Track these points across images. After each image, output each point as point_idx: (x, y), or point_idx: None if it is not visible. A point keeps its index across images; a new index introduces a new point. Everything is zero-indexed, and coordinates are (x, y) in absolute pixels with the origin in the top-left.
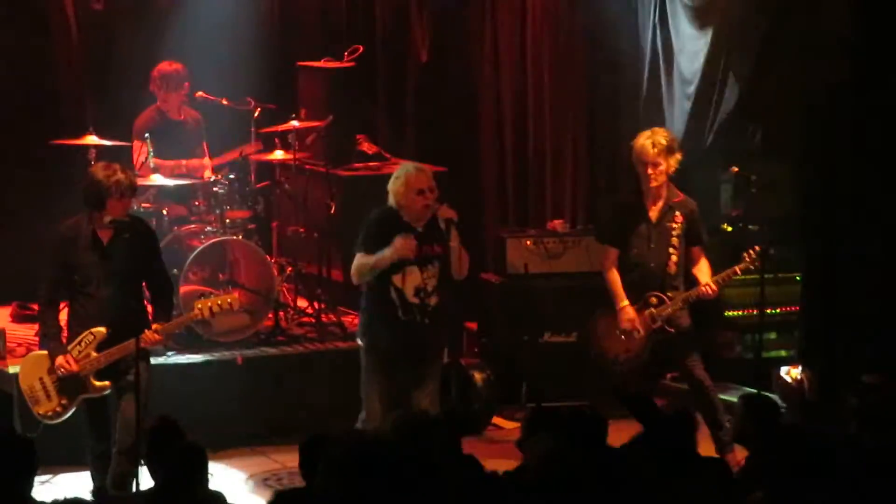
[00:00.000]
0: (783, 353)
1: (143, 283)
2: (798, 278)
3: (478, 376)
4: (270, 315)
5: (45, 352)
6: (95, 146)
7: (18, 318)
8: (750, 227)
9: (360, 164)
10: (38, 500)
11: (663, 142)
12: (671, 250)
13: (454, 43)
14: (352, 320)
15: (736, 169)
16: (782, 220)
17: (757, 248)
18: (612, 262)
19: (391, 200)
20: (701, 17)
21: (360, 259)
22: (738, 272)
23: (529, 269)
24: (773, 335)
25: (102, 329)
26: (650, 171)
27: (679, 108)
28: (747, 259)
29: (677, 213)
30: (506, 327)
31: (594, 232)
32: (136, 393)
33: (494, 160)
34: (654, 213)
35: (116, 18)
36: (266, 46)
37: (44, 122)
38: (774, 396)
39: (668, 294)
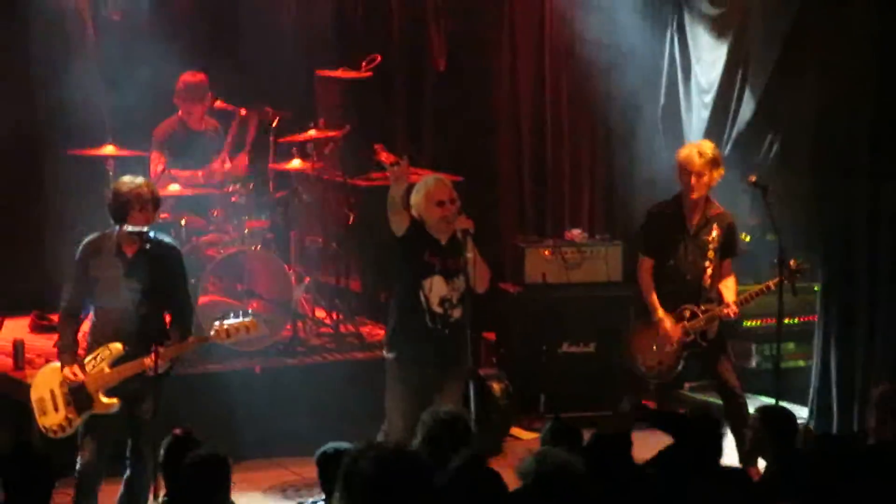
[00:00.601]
0: (801, 363)
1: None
2: (816, 288)
3: (496, 387)
4: (289, 325)
5: (59, 364)
6: (114, 156)
7: (37, 329)
8: (768, 236)
9: (379, 174)
10: None
11: (709, 153)
12: (707, 263)
13: (471, 52)
14: (370, 330)
15: (754, 178)
16: (800, 229)
17: (793, 263)
18: (648, 272)
19: (414, 213)
20: (719, 27)
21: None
22: (772, 287)
23: (547, 279)
24: (791, 345)
25: (119, 346)
26: (693, 181)
27: (696, 116)
28: (779, 273)
29: (714, 225)
30: (524, 337)
31: (633, 241)
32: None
33: (512, 169)
34: (692, 225)
35: (134, 28)
36: (284, 56)
37: (62, 132)
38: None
39: (702, 307)
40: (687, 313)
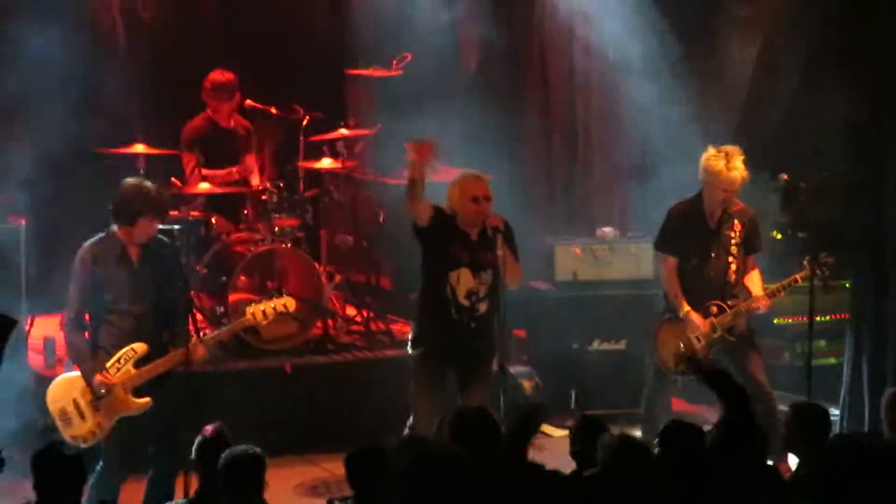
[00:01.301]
0: (832, 360)
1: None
2: (847, 285)
3: (527, 384)
4: (319, 323)
5: (77, 373)
6: (144, 155)
7: None
8: (799, 234)
9: None
10: None
11: (743, 169)
12: (730, 259)
13: (502, 52)
14: (400, 328)
15: (785, 176)
16: (831, 227)
17: (824, 257)
18: (672, 270)
19: (447, 206)
20: (749, 28)
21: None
22: (799, 281)
23: (578, 277)
24: (822, 343)
25: (143, 345)
26: (729, 196)
27: (726, 116)
28: (809, 268)
29: (736, 221)
30: (554, 335)
31: (654, 240)
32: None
33: (543, 168)
34: (713, 222)
35: (164, 27)
36: (315, 55)
37: (93, 131)
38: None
39: (728, 303)
40: (714, 309)
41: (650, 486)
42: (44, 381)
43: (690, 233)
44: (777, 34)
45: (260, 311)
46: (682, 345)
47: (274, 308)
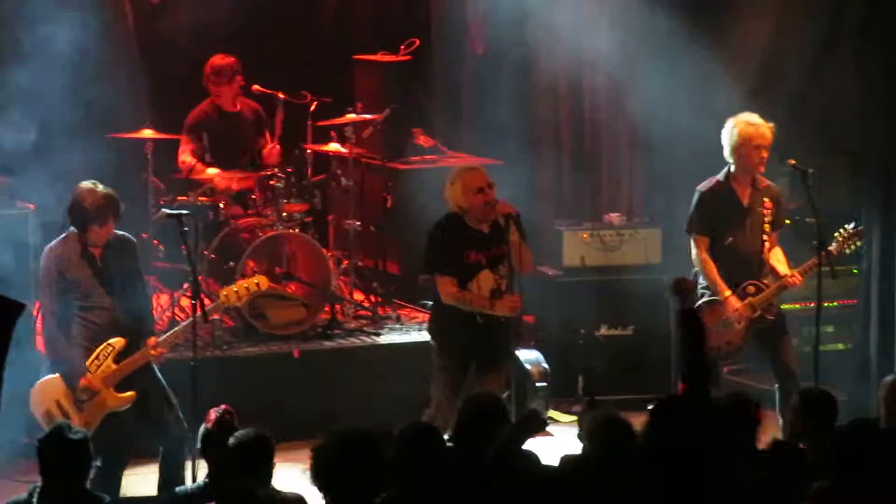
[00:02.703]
0: (840, 346)
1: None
2: (855, 271)
3: (534, 370)
4: (327, 308)
5: (54, 376)
6: (152, 140)
7: None
8: (807, 220)
9: (417, 158)
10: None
11: (770, 124)
12: (764, 237)
13: (510, 36)
14: (408, 313)
15: (793, 161)
16: (840, 213)
17: (850, 228)
18: (706, 251)
19: (450, 206)
20: (759, 10)
21: (447, 287)
22: (833, 253)
23: (586, 262)
24: (830, 328)
25: (122, 339)
26: (764, 154)
27: (737, 102)
28: (839, 239)
29: (766, 199)
30: (562, 320)
31: (687, 225)
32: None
33: (551, 153)
34: (745, 198)
35: (173, 12)
36: (322, 40)
37: (100, 116)
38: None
39: (764, 281)
40: (751, 289)
41: (634, 462)
42: None
43: (723, 212)
44: (790, 10)
45: (233, 291)
46: (719, 324)
47: (247, 288)
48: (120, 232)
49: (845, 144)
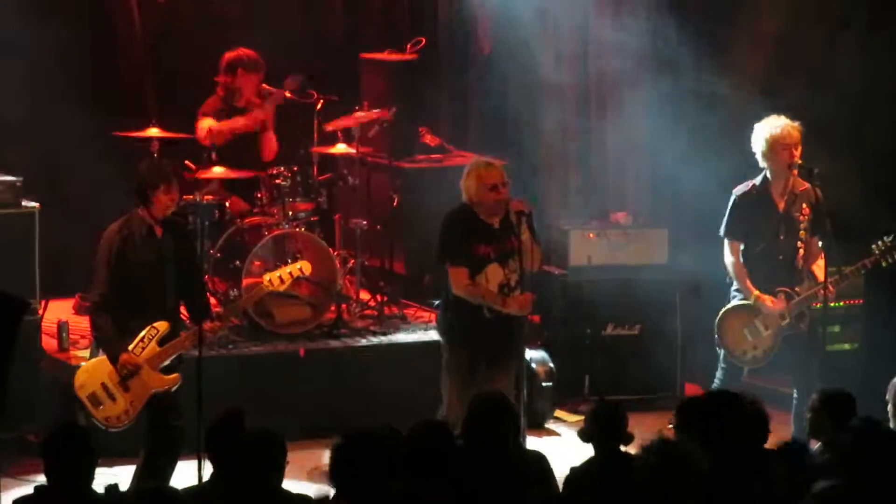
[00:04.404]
0: (847, 346)
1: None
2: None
3: (540, 369)
4: (333, 307)
5: (101, 357)
6: (158, 138)
7: (81, 311)
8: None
9: (423, 157)
10: (100, 493)
11: (797, 124)
12: (799, 243)
13: (517, 35)
14: (414, 312)
15: (800, 160)
16: (846, 212)
17: (887, 240)
18: (738, 256)
19: (464, 197)
20: (767, 9)
21: (459, 277)
22: (868, 266)
23: (592, 262)
24: (836, 328)
25: (165, 323)
26: (794, 152)
27: (745, 100)
28: (876, 251)
29: (804, 204)
30: (568, 320)
31: (722, 228)
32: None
33: (557, 152)
34: (781, 204)
35: (179, 11)
36: (329, 38)
37: (107, 114)
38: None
39: (797, 289)
40: (782, 296)
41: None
42: (57, 364)
43: (758, 216)
44: (798, 12)
45: (276, 277)
46: (747, 329)
47: (290, 273)
48: (178, 216)
49: (852, 146)
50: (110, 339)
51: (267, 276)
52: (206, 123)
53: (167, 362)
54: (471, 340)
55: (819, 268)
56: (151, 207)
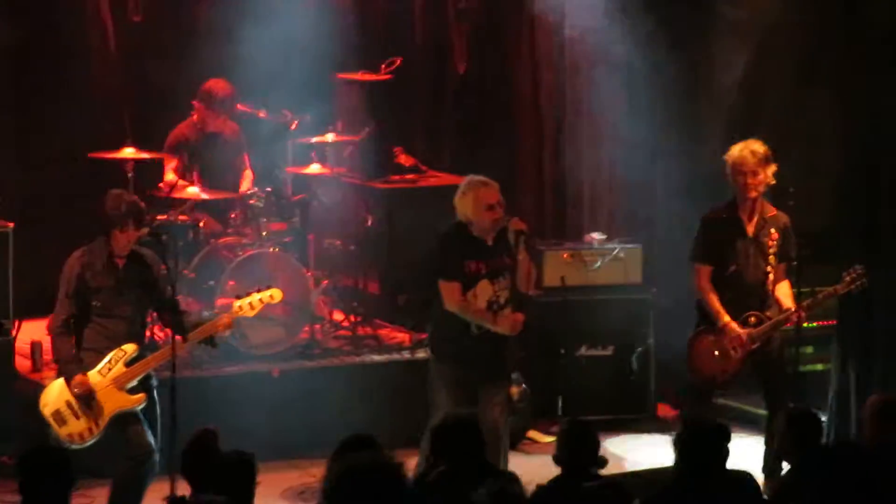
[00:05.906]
0: (820, 367)
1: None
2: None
3: (513, 390)
4: (306, 328)
5: (65, 376)
6: (133, 159)
7: None
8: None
9: (397, 177)
10: None
11: (761, 151)
12: (768, 267)
13: (492, 54)
14: (387, 333)
15: (774, 181)
16: (820, 234)
17: (858, 269)
18: (707, 280)
19: (459, 215)
20: (740, 30)
21: (452, 293)
22: (837, 292)
23: (566, 282)
24: (809, 349)
25: (134, 345)
26: (750, 180)
27: (717, 120)
28: (847, 280)
29: (772, 229)
30: (542, 340)
31: (690, 252)
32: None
33: (532, 172)
34: (750, 228)
35: (154, 30)
36: (304, 58)
37: (81, 134)
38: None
39: (766, 313)
40: (752, 320)
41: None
42: (31, 385)
43: (727, 239)
44: (770, 37)
45: (247, 303)
46: (716, 353)
47: (260, 300)
48: (146, 249)
49: (826, 168)
50: (67, 361)
51: (237, 303)
52: (170, 176)
53: (134, 382)
54: (456, 355)
55: (783, 294)
56: (111, 244)
